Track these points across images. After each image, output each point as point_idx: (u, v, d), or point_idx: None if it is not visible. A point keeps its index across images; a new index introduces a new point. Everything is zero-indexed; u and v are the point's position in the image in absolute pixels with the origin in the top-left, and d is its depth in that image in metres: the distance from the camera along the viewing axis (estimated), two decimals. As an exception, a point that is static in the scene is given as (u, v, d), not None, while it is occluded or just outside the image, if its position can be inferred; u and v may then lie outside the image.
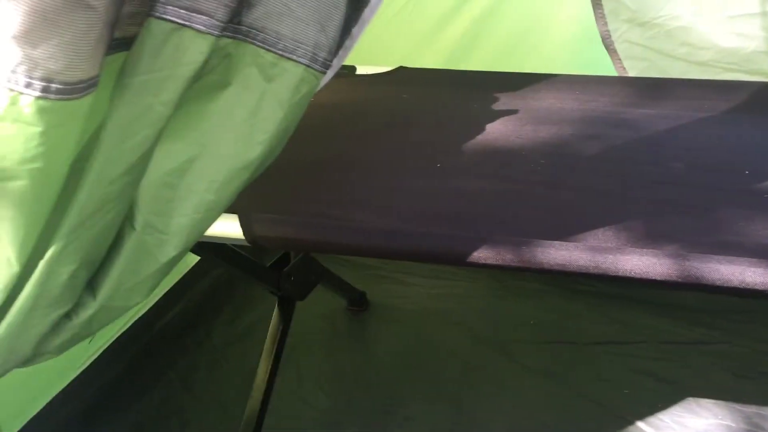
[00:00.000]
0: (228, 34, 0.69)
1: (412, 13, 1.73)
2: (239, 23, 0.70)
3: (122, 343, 1.63)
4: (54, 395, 1.45)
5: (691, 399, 1.48)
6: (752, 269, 0.86)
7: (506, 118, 1.39)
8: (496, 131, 1.32)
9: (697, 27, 1.44)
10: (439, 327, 1.72)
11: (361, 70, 1.65)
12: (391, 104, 1.47)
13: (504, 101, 1.47)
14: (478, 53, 1.73)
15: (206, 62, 0.66)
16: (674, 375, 1.54)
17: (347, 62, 1.69)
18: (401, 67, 1.65)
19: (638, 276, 0.87)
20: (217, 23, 0.65)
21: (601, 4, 1.47)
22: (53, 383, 1.46)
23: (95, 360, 1.56)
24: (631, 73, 1.57)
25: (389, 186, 1.12)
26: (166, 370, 1.65)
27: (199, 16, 0.63)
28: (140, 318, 1.67)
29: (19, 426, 1.34)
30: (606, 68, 1.60)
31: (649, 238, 0.94)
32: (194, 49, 0.64)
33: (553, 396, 1.51)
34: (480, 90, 1.52)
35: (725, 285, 0.85)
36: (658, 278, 0.86)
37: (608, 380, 1.54)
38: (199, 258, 1.77)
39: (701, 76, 1.48)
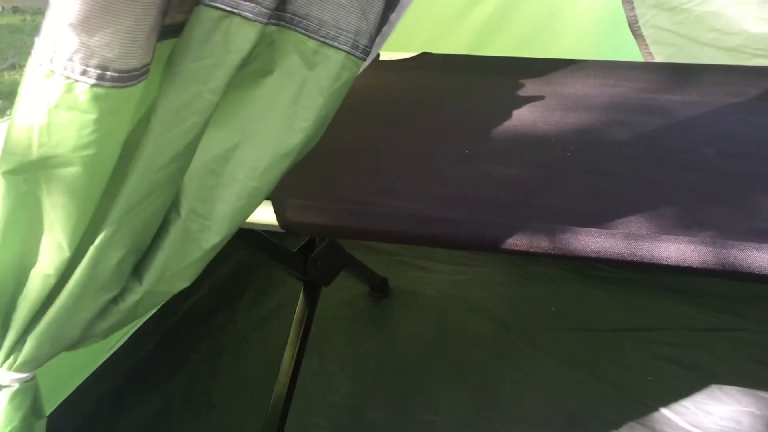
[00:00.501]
0: (273, 21, 0.69)
1: (432, 4, 1.72)
2: (283, 10, 0.70)
3: (149, 326, 1.65)
4: (86, 377, 1.47)
5: (714, 386, 1.49)
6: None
7: (533, 104, 1.39)
8: (524, 117, 1.32)
9: (725, 12, 1.43)
10: (460, 313, 1.73)
11: (384, 56, 1.65)
12: (416, 90, 1.47)
13: (530, 87, 1.47)
14: (501, 39, 1.72)
15: (253, 50, 0.66)
16: (698, 362, 1.54)
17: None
18: (425, 52, 1.64)
19: (675, 263, 0.87)
20: (265, 11, 0.65)
21: (628, -11, 1.47)
22: (86, 365, 1.48)
23: (124, 343, 1.58)
24: (658, 59, 1.56)
25: (419, 172, 1.12)
26: (192, 353, 1.67)
27: (247, 3, 0.63)
28: (166, 302, 1.68)
29: (53, 407, 1.36)
30: (632, 54, 1.59)
31: (684, 225, 0.94)
32: (242, 37, 0.64)
33: (577, 383, 1.51)
34: (505, 76, 1.51)
35: (763, 272, 0.85)
36: (695, 266, 0.87)
37: (631, 367, 1.54)
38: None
39: (729, 61, 1.47)
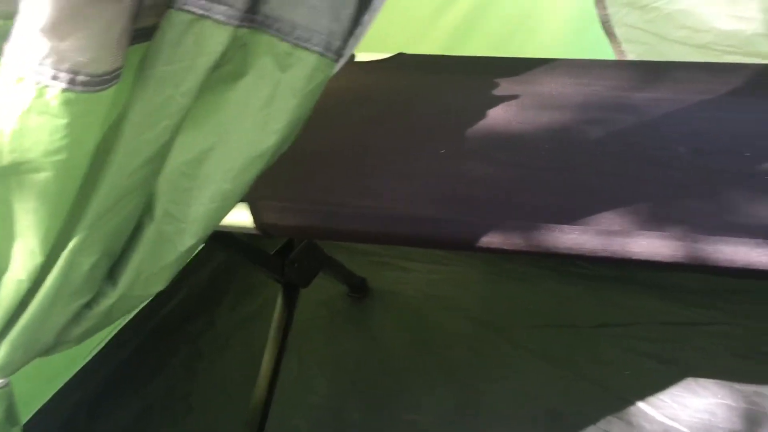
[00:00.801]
0: (245, 24, 0.69)
1: (407, 4, 1.73)
2: (256, 12, 0.70)
3: (127, 331, 1.64)
4: (63, 383, 1.46)
5: (691, 379, 1.50)
6: (757, 250, 0.87)
7: (508, 103, 1.40)
8: (499, 117, 1.33)
9: (696, 10, 1.45)
10: (439, 312, 1.73)
11: (359, 57, 1.65)
12: (391, 91, 1.48)
13: (504, 87, 1.48)
14: (476, 39, 1.73)
15: (225, 52, 0.66)
16: (674, 356, 1.56)
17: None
18: (400, 53, 1.65)
19: (647, 258, 0.88)
20: (236, 13, 0.65)
21: (600, -13, 1.48)
22: (62, 372, 1.47)
23: (102, 349, 1.57)
24: (631, 57, 1.57)
25: (395, 172, 1.13)
26: (171, 357, 1.66)
27: (219, 6, 0.63)
28: (144, 307, 1.67)
29: (29, 415, 1.35)
30: (606, 52, 1.61)
31: (656, 220, 0.96)
32: (214, 40, 0.64)
33: (556, 379, 1.52)
34: (480, 76, 1.52)
35: (731, 266, 0.87)
36: (666, 260, 0.88)
37: (609, 363, 1.56)
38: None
39: (700, 58, 1.49)
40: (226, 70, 0.70)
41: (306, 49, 0.73)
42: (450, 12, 1.74)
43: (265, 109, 0.73)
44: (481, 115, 1.35)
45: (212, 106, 0.71)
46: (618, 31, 1.54)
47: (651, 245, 0.89)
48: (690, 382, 1.50)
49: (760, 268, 0.88)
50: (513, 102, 1.41)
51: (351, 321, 1.74)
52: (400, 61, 1.63)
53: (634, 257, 0.89)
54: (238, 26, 0.67)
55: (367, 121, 1.33)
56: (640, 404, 1.45)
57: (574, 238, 0.91)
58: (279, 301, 1.45)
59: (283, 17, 0.72)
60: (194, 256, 1.82)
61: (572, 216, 0.96)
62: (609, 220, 0.95)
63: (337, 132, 1.27)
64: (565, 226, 0.93)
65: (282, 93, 0.73)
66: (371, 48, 1.65)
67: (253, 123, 0.73)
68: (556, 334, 1.64)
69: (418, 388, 1.52)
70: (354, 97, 1.44)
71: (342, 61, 0.80)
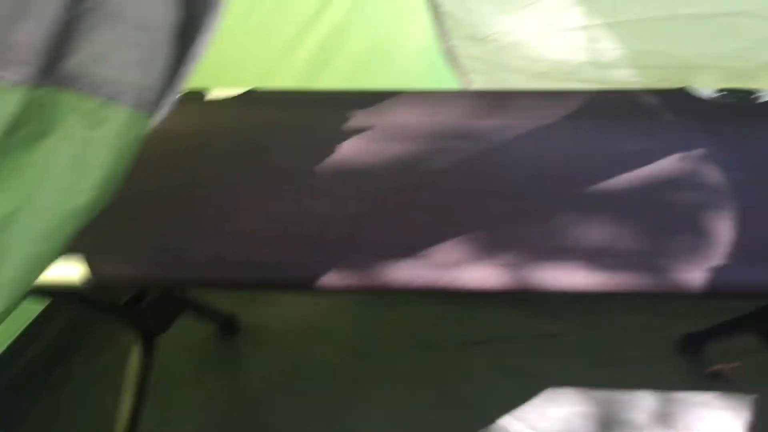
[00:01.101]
0: (44, 83, 0.67)
1: (261, 33, 1.73)
2: (57, 70, 0.68)
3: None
4: None
5: (551, 390, 1.58)
6: (581, 272, 0.93)
7: (359, 136, 1.43)
8: (350, 151, 1.35)
9: (530, 42, 1.53)
10: (310, 343, 1.73)
11: (211, 95, 1.63)
12: (243, 129, 1.47)
13: (357, 119, 1.50)
14: (331, 71, 1.75)
15: (20, 115, 0.64)
16: (536, 368, 1.63)
17: (196, 87, 1.67)
18: (253, 89, 1.65)
19: (477, 289, 0.92)
20: (31, 73, 0.63)
21: (442, 22, 1.53)
22: None
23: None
24: (475, 87, 1.64)
25: (242, 215, 1.12)
26: (27, 412, 1.56)
27: (8, 68, 0.61)
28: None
29: None
30: (453, 82, 1.67)
31: (492, 249, 1.00)
32: (2, 104, 0.61)
33: (425, 401, 1.56)
34: (333, 109, 1.54)
35: (557, 289, 0.92)
36: (496, 289, 0.92)
37: (475, 380, 1.61)
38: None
39: (539, 86, 1.58)
40: (26, 132, 0.68)
41: (116, 105, 0.72)
42: (304, 44, 1.75)
43: (73, 168, 0.71)
44: (334, 150, 1.36)
45: (13, 169, 0.68)
46: (463, 63, 1.60)
47: (481, 276, 0.92)
48: (551, 393, 1.57)
49: (586, 289, 0.93)
50: (365, 135, 1.43)
51: (219, 362, 1.70)
52: (253, 97, 1.62)
53: (465, 289, 0.92)
54: (35, 87, 0.65)
55: (217, 162, 1.31)
56: (506, 418, 1.51)
57: (409, 273, 0.94)
58: (135, 350, 1.40)
59: (91, 73, 0.70)
60: (49, 307, 1.76)
61: (411, 250, 0.99)
62: (446, 252, 0.98)
63: (184, 175, 1.25)
64: (402, 261, 0.95)
65: (92, 151, 0.71)
66: (223, 84, 1.64)
67: (61, 183, 0.70)
68: (424, 356, 1.68)
69: (288, 424, 1.51)
70: (204, 137, 1.43)
71: (160, 114, 0.79)
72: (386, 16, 1.68)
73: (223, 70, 1.61)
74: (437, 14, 1.52)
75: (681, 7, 1.41)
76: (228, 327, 1.76)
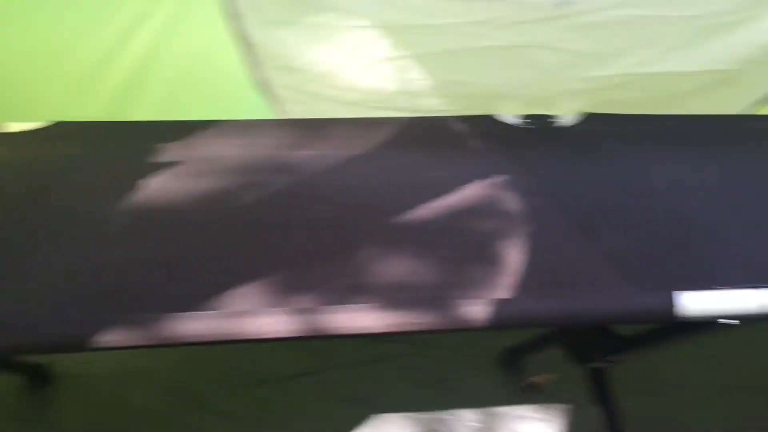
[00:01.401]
0: None
1: (62, 58, 1.61)
2: None
3: None
4: None
5: (380, 416, 1.59)
6: (373, 314, 0.93)
7: (167, 172, 1.38)
8: (155, 189, 1.30)
9: (340, 71, 1.54)
10: (131, 389, 1.63)
11: (9, 128, 1.52)
12: (38, 168, 1.38)
13: (166, 153, 1.46)
14: (141, 101, 1.67)
15: None
16: (364, 395, 1.63)
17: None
18: (59, 122, 1.55)
19: (265, 337, 0.90)
20: None
21: (253, 53, 1.51)
22: None
23: None
24: (291, 116, 1.63)
25: (34, 267, 1.04)
26: None
27: None
28: None
29: None
30: (270, 112, 1.64)
31: (287, 291, 0.99)
32: None
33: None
34: (140, 143, 1.49)
35: (349, 333, 0.91)
36: (285, 335, 0.90)
37: (310, 412, 1.58)
38: None
39: (353, 114, 1.59)
40: None
41: None
42: (111, 71, 1.65)
43: None
44: (136, 189, 1.31)
45: None
46: (277, 92, 1.59)
47: (271, 324, 0.90)
48: (379, 419, 1.58)
49: (377, 332, 0.93)
50: (172, 171, 1.39)
51: (30, 418, 1.57)
52: (57, 130, 1.53)
53: (255, 338, 0.90)
54: None
55: (5, 206, 1.22)
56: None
57: (196, 325, 0.90)
58: None
59: None
60: None
61: (202, 299, 0.95)
62: (238, 298, 0.95)
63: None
64: (191, 312, 0.92)
65: None
66: (22, 117, 1.53)
67: None
68: (253, 393, 1.63)
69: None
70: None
71: None
72: (200, 43, 1.63)
73: (19, 100, 1.51)
74: (247, 45, 1.49)
75: (480, 40, 1.48)
76: (38, 378, 1.63)
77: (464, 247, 1.14)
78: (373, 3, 1.45)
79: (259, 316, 0.90)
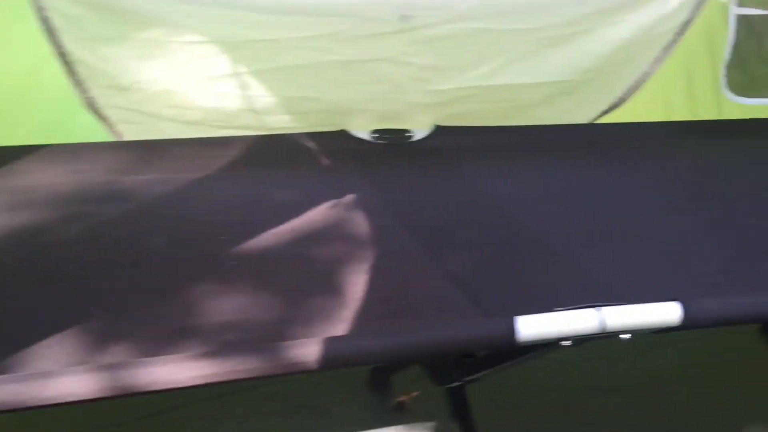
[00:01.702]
0: None
1: None
2: None
3: None
4: None
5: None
6: (189, 365, 0.84)
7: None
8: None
9: (178, 89, 1.44)
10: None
11: None
12: None
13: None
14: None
15: None
16: (235, 425, 1.53)
17: None
18: None
19: (64, 401, 0.79)
20: None
21: (75, 71, 1.39)
22: None
23: None
24: (128, 138, 1.51)
25: None
26: None
27: None
28: None
29: None
30: (101, 134, 1.51)
31: (98, 344, 0.89)
32: None
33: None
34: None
35: (159, 388, 0.83)
36: (85, 397, 0.80)
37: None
38: None
39: (195, 134, 1.50)
40: None
41: None
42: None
43: None
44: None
45: None
46: (108, 113, 1.47)
47: (67, 385, 0.79)
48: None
49: (197, 384, 0.85)
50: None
51: None
52: None
53: (50, 403, 0.79)
54: None
55: None
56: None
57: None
58: None
59: None
60: None
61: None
62: (37, 358, 0.84)
63: None
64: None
65: None
66: None
67: None
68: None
69: None
70: None
71: None
72: (21, 62, 1.48)
73: None
74: (67, 62, 1.36)
75: (323, 55, 1.43)
76: None
77: (305, 276, 1.08)
78: (207, 18, 1.37)
79: (58, 377, 0.80)
